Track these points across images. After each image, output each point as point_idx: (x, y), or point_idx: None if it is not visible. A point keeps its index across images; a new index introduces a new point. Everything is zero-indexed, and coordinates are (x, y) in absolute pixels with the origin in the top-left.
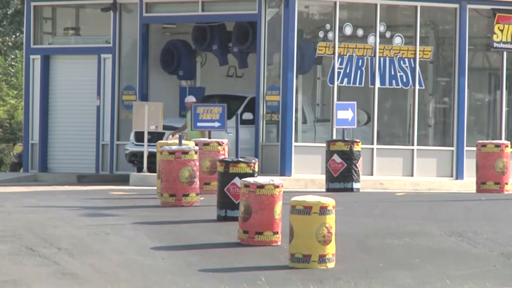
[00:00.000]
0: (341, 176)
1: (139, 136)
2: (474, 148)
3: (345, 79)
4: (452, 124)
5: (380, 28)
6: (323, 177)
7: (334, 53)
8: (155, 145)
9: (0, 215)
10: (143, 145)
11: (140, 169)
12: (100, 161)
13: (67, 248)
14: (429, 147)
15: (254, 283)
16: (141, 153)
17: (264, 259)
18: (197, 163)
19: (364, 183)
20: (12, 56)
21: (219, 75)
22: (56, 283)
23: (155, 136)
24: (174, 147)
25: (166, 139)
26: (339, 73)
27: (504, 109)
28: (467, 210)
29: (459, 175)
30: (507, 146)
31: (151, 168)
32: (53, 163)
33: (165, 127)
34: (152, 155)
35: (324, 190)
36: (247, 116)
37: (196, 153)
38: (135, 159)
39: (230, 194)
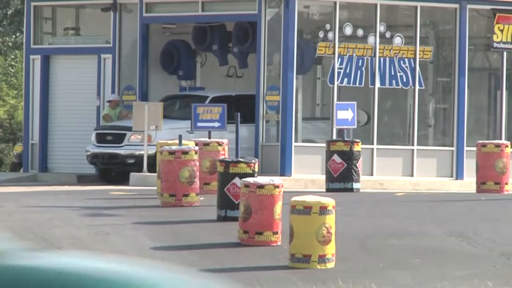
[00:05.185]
0: (341, 176)
1: (100, 138)
2: (474, 148)
3: (345, 79)
4: (452, 124)
5: (380, 28)
6: (323, 177)
7: (334, 53)
8: (116, 146)
9: (0, 215)
10: (104, 147)
11: (102, 171)
12: None
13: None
14: (429, 147)
15: (254, 283)
16: (103, 155)
17: (264, 259)
18: (197, 163)
19: (364, 183)
20: (12, 56)
21: (219, 75)
22: None
23: (116, 137)
24: (174, 147)
25: (128, 140)
26: (339, 73)
27: (504, 109)
28: (467, 210)
29: (459, 175)
30: (507, 146)
31: (111, 170)
32: (53, 163)
33: (127, 128)
34: (113, 156)
35: (324, 190)
36: None
37: (196, 153)
38: (96, 160)
39: (230, 194)
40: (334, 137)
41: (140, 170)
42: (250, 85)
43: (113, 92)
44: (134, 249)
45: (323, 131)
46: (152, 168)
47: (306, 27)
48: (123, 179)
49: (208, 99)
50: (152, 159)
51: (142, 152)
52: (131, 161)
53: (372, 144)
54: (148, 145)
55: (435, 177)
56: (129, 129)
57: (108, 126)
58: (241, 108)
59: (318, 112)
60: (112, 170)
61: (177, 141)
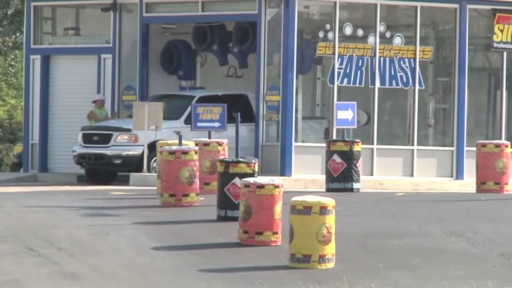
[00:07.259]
0: (341, 176)
1: (86, 138)
2: (474, 148)
3: (345, 79)
4: (452, 124)
5: (380, 28)
6: (323, 177)
7: (334, 53)
8: (103, 147)
9: (0, 215)
10: (90, 147)
11: (88, 171)
12: None
13: (67, 248)
14: (429, 147)
15: (254, 283)
16: (89, 155)
17: (264, 259)
18: (197, 163)
19: (364, 183)
20: (12, 56)
21: (219, 75)
22: (56, 283)
23: (102, 137)
24: (174, 147)
25: (115, 140)
26: (339, 73)
27: (504, 109)
28: (467, 210)
29: (459, 175)
30: (507, 146)
31: (97, 170)
32: (53, 163)
33: (114, 128)
34: (99, 157)
35: (324, 190)
36: None
37: (196, 153)
38: (83, 161)
39: (230, 194)
40: (334, 137)
41: (126, 170)
42: (250, 85)
43: (98, 92)
44: (134, 249)
45: (316, 131)
46: (138, 168)
47: (306, 27)
48: (110, 180)
49: (195, 99)
50: (138, 159)
51: (129, 152)
52: (118, 161)
53: (372, 144)
54: (135, 145)
55: (435, 177)
56: (116, 129)
57: (95, 126)
58: (229, 108)
59: (318, 112)
60: (99, 170)
61: (177, 141)
